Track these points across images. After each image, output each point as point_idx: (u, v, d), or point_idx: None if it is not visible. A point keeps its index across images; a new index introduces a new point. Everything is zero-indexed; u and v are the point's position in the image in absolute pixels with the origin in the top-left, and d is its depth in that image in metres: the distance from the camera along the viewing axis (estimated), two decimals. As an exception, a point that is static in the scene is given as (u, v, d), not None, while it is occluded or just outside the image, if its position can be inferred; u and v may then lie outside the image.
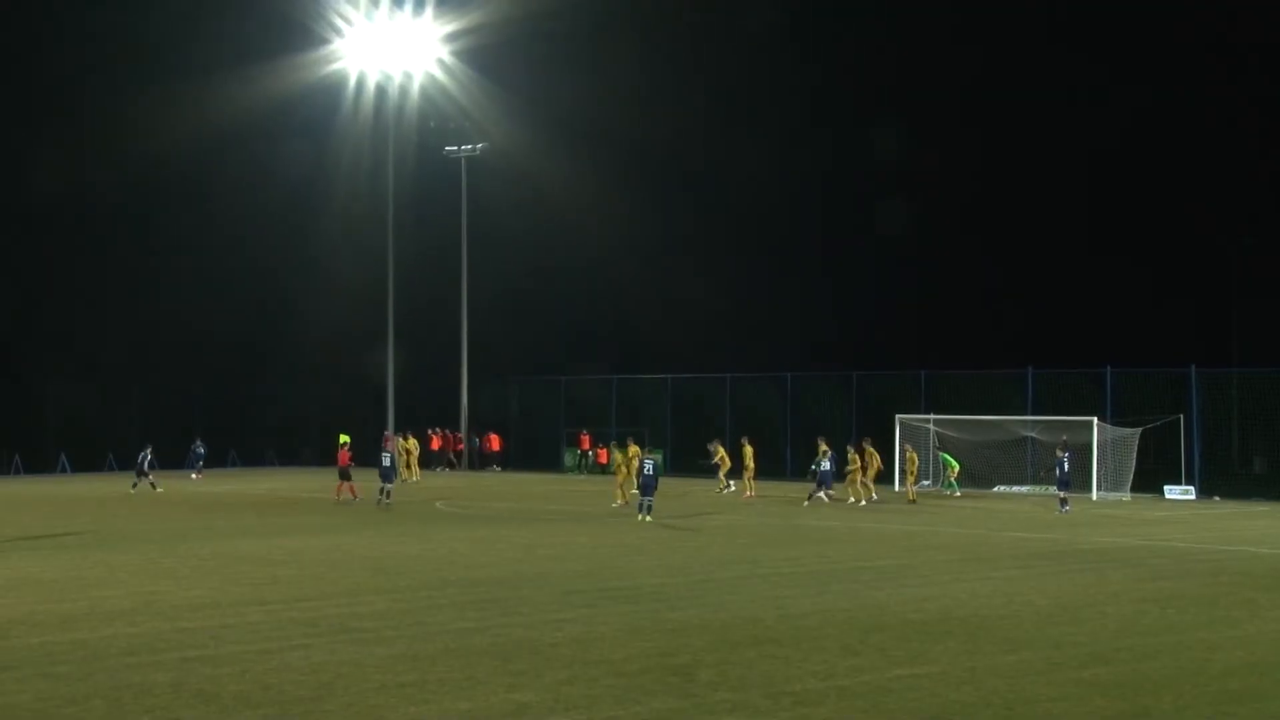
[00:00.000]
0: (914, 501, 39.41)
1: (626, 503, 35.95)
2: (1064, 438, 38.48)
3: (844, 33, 67.27)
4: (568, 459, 58.43)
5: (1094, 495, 41.13)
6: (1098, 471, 41.48)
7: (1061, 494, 36.04)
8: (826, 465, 38.81)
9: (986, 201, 65.22)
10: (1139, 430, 42.26)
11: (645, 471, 32.62)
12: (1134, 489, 41.98)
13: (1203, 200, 61.14)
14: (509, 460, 59.96)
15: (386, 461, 36.96)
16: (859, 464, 40.11)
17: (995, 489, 43.97)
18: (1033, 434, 44.20)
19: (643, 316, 65.40)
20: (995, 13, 62.98)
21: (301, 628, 15.84)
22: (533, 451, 59.85)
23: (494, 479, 52.78)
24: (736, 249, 67.24)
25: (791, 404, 53.29)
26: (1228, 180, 61.15)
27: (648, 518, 31.39)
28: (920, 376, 49.74)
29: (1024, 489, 43.45)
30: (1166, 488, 42.32)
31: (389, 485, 36.15)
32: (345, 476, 37.69)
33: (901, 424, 45.27)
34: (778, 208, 68.30)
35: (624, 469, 37.59)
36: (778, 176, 67.30)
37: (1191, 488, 42.22)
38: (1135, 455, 42.32)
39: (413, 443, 50.33)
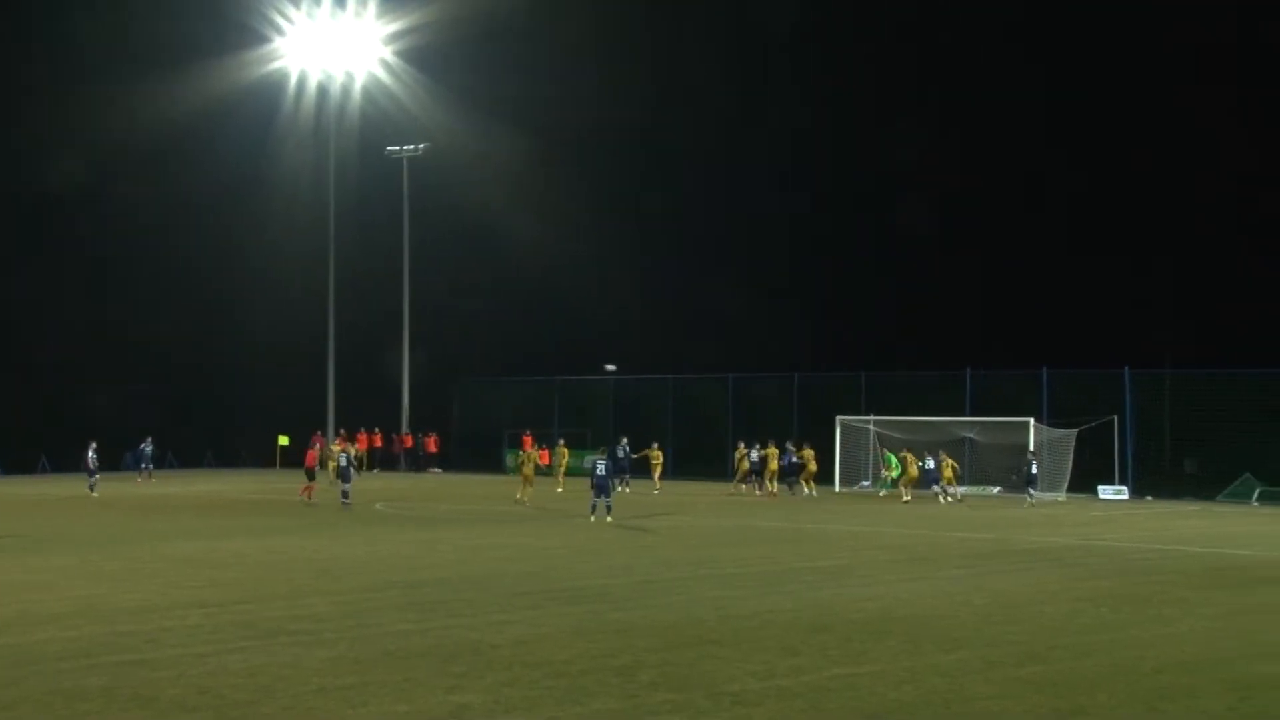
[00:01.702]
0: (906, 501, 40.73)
1: (522, 500, 36.36)
2: (1032, 449, 40.97)
3: (785, 35, 67.60)
4: (509, 460, 58.26)
5: (1030, 496, 41.50)
6: (1035, 471, 41.86)
7: (1031, 490, 39.65)
8: (754, 456, 42.48)
9: (924, 205, 65.70)
10: (1075, 431, 42.74)
11: (598, 472, 32.44)
12: (1069, 489, 42.42)
13: (1140, 203, 61.91)
14: (449, 462, 59.70)
15: (343, 462, 36.91)
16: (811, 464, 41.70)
17: (934, 489, 44.27)
18: (971, 435, 44.56)
19: (586, 318, 65.33)
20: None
21: (240, 630, 15.66)
22: (474, 453, 59.64)
23: (435, 481, 52.50)
24: (681, 251, 67.34)
25: (734, 405, 53.43)
26: (1164, 184, 61.96)
27: (608, 518, 31.30)
28: (860, 378, 50.05)
29: (961, 489, 43.75)
30: (1100, 488, 42.81)
31: (348, 485, 36.06)
32: (311, 477, 37.52)
33: (842, 425, 45.52)
34: (722, 210, 68.52)
35: (528, 467, 37.74)
36: (723, 178, 67.50)
37: (1125, 488, 42.73)
38: (1072, 456, 42.81)
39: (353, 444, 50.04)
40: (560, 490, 43.31)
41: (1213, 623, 16.81)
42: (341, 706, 11.94)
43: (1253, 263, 58.99)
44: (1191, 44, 60.29)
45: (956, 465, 41.56)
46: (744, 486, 42.99)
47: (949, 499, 40.68)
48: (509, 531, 29.26)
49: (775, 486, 42.88)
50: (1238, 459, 43.01)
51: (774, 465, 43.09)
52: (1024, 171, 62.79)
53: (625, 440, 43.84)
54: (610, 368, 44.25)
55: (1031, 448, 41.13)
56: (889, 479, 42.69)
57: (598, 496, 31.91)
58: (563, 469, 44.97)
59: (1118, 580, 20.89)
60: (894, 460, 42.86)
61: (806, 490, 42.99)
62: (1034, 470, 40.53)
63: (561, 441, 46.47)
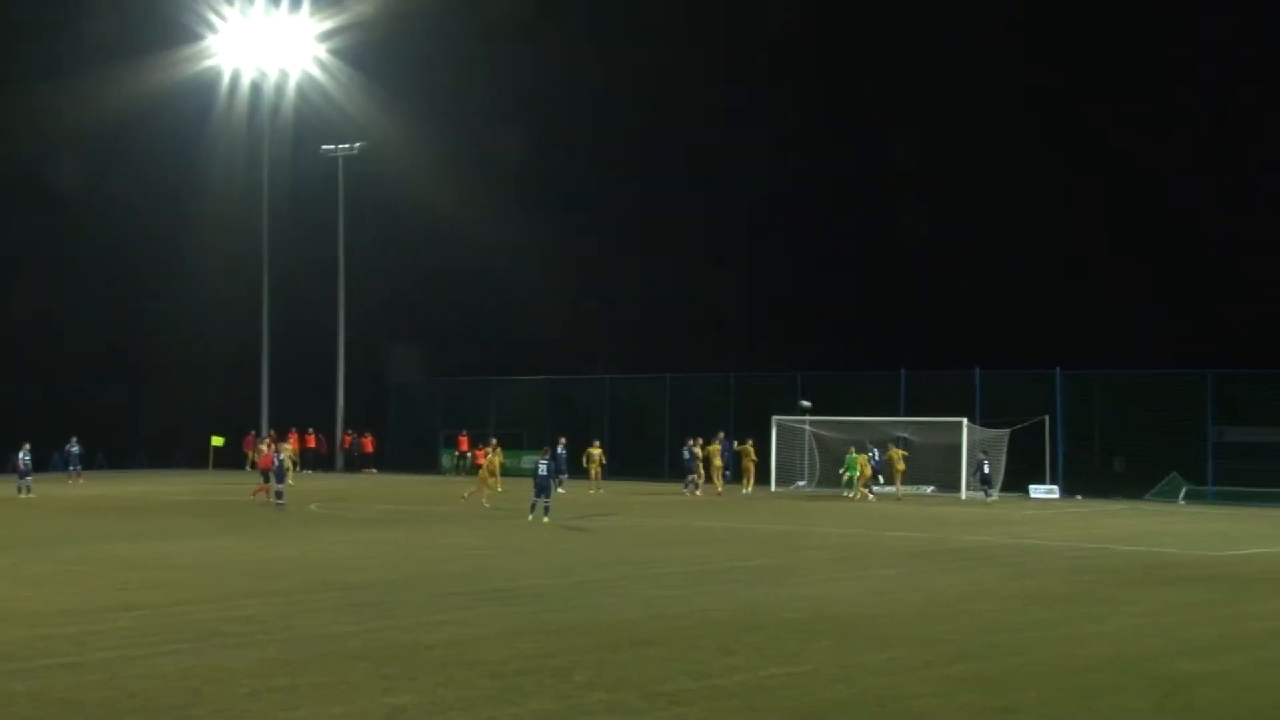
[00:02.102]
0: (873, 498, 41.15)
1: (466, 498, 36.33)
2: (982, 452, 41.90)
3: (723, 34, 67.86)
4: (445, 461, 58.02)
5: (963, 494, 41.94)
6: (967, 471, 42.30)
7: (985, 488, 40.99)
8: (686, 456, 42.95)
9: (859, 206, 66.16)
10: (1007, 432, 43.17)
11: (539, 472, 32.38)
12: (1002, 489, 42.86)
13: (1070, 204, 62.62)
14: (385, 462, 59.37)
15: (278, 462, 36.67)
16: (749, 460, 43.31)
17: (871, 489, 44.54)
18: (905, 434, 44.87)
19: (522, 318, 65.17)
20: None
21: (171, 633, 15.47)
22: (409, 453, 59.32)
23: (370, 481, 52.19)
24: (617, 250, 67.29)
25: (672, 404, 53.53)
26: (1095, 184, 62.71)
27: (545, 519, 31.24)
28: (796, 378, 50.26)
29: (896, 488, 44.04)
30: (1032, 487, 43.26)
31: (281, 486, 35.78)
32: (268, 478, 37.22)
33: (778, 425, 45.72)
34: (657, 208, 68.54)
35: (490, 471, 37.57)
36: (657, 176, 67.50)
37: (1056, 487, 43.22)
38: (1005, 456, 43.25)
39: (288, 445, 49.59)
40: (499, 490, 43.16)
41: (1140, 620, 17.05)
42: (275, 709, 11.83)
43: (1180, 266, 59.87)
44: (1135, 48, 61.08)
45: (904, 454, 42.09)
46: (692, 491, 42.72)
47: (869, 498, 41.15)
48: (445, 532, 29.15)
49: (721, 485, 42.93)
50: (1165, 459, 43.63)
51: (718, 462, 43.23)
52: (959, 172, 63.32)
53: (563, 440, 43.77)
54: (805, 404, 43.89)
55: (981, 449, 41.94)
56: (847, 479, 42.88)
57: (537, 496, 31.86)
58: (497, 470, 44.76)
59: (1049, 579, 21.14)
60: (851, 460, 42.92)
61: (745, 488, 43.30)
62: (986, 469, 41.52)
63: (495, 441, 46.27)
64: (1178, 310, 58.82)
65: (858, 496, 41.65)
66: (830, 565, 22.93)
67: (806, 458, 46.34)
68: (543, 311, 65.18)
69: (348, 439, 59.79)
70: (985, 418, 43.95)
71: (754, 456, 44.35)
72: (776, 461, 45.64)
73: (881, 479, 43.00)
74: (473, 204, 63.15)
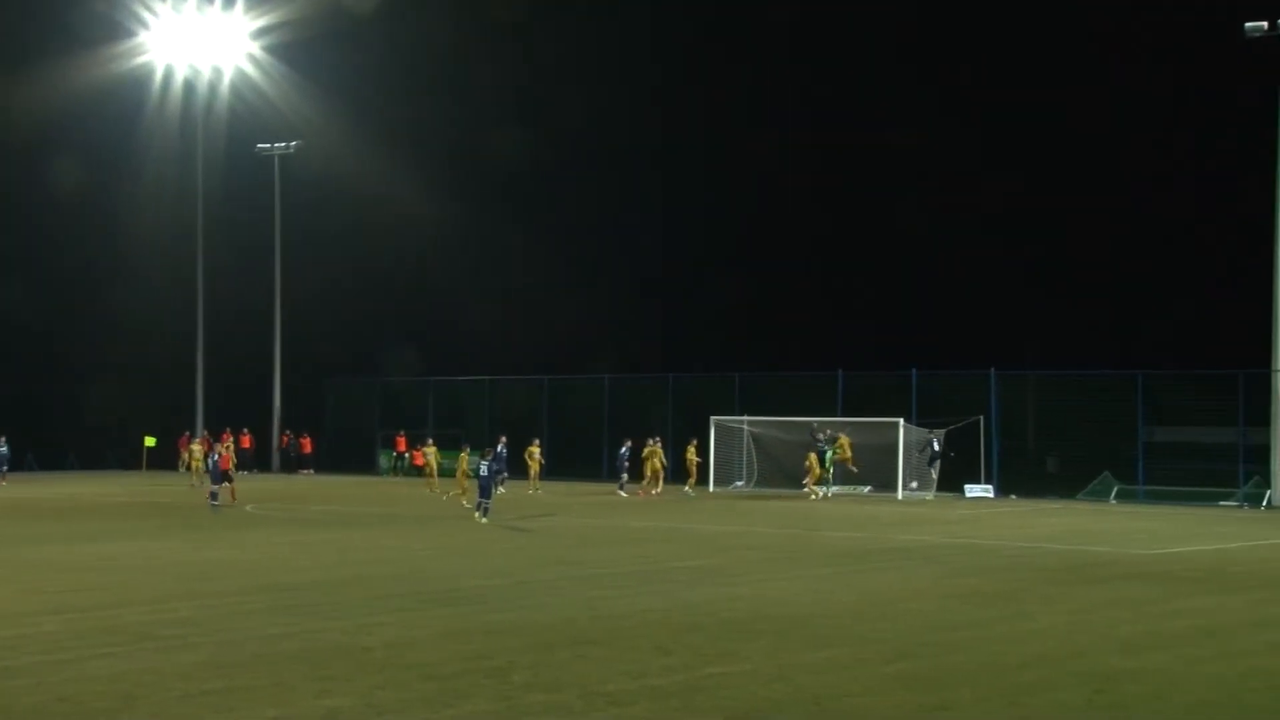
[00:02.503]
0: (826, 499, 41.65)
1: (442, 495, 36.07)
2: (932, 436, 42.67)
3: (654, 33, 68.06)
4: (383, 461, 57.72)
5: (899, 494, 42.24)
6: (903, 471, 42.61)
7: (931, 466, 42.13)
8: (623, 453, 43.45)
9: (799, 204, 66.56)
10: (943, 432, 43.56)
11: (480, 473, 32.28)
12: (937, 488, 43.23)
13: (1004, 206, 63.26)
14: (322, 462, 58.94)
15: (211, 464, 36.29)
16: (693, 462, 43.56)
17: (804, 489, 44.78)
18: (841, 433, 45.10)
19: (461, 316, 64.96)
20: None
21: (102, 636, 15.26)
22: (347, 454, 58.94)
23: (307, 482, 51.80)
24: (555, 250, 67.22)
25: (610, 405, 53.53)
26: (1028, 187, 63.42)
27: (483, 519, 31.18)
28: (735, 379, 50.45)
29: (833, 489, 44.32)
30: (967, 487, 43.68)
31: (216, 487, 35.40)
32: (227, 479, 36.72)
33: (716, 425, 45.86)
34: (595, 209, 68.58)
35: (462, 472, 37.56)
36: (595, 174, 67.52)
37: (990, 487, 43.65)
38: (940, 455, 43.59)
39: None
40: (435, 491, 43.08)
41: (1072, 617, 17.26)
42: (208, 712, 11.71)
43: (1113, 265, 60.63)
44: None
45: (848, 441, 42.35)
46: (629, 491, 42.75)
47: (818, 495, 41.51)
48: (383, 534, 28.99)
49: (659, 488, 42.98)
50: (1097, 458, 44.23)
51: (657, 464, 43.21)
52: (896, 171, 63.85)
53: (503, 440, 43.64)
54: (935, 445, 44.06)
55: (932, 436, 42.90)
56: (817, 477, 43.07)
57: (482, 497, 31.81)
58: (433, 469, 44.69)
59: (983, 577, 21.36)
60: (831, 455, 43.04)
61: (688, 489, 43.42)
62: (937, 446, 42.70)
63: (430, 441, 46.14)
64: (1109, 312, 59.66)
65: (814, 495, 41.92)
66: (768, 565, 23.03)
67: (745, 458, 46.53)
68: (481, 310, 64.99)
69: (285, 439, 59.32)
70: (922, 418, 44.33)
71: (697, 457, 44.44)
72: (715, 462, 45.78)
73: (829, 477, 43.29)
74: (411, 202, 62.84)
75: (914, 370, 46.02)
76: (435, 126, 65.13)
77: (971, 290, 61.90)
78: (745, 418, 46.54)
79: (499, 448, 41.89)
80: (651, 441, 43.95)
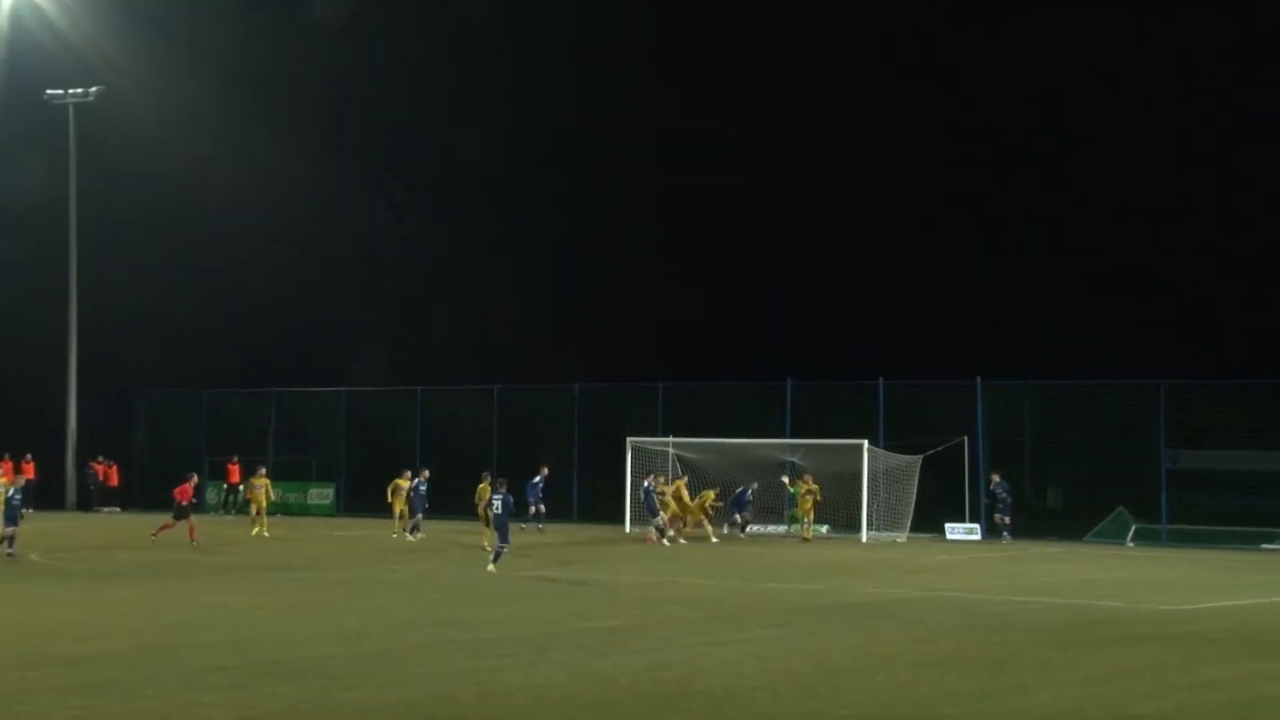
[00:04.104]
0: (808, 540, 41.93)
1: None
2: (996, 475, 43.44)
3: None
4: (210, 495, 57.20)
5: (864, 536, 42.54)
6: (868, 507, 42.88)
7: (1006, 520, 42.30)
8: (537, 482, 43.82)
9: (737, 194, 67.18)
10: (919, 458, 43.88)
11: (495, 510, 32.46)
12: (912, 527, 43.59)
13: (990, 188, 64.07)
14: (131, 497, 58.27)
15: (17, 499, 35.72)
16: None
17: (748, 530, 44.98)
18: (794, 459, 45.39)
19: (310, 314, 64.62)
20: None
21: None
22: (163, 486, 58.22)
23: (109, 522, 51.19)
24: (429, 236, 67.28)
25: (500, 422, 53.46)
26: (1016, 171, 64.34)
27: (490, 567, 31.42)
28: (657, 390, 50.55)
29: (781, 529, 44.53)
30: (948, 526, 44.10)
31: (14, 529, 34.91)
32: (185, 515, 38.59)
33: (634, 448, 45.90)
34: (487, 199, 68.90)
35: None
36: (481, 172, 67.88)
37: (977, 526, 44.12)
38: (915, 486, 43.97)
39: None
40: (257, 532, 42.78)
41: (1078, 690, 17.43)
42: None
43: (1129, 251, 61.36)
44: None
45: (816, 489, 42.59)
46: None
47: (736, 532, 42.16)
48: (207, 588, 28.69)
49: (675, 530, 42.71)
50: (1109, 490, 44.79)
51: (689, 503, 42.79)
52: (869, 150, 64.72)
53: (425, 474, 43.58)
54: (996, 482, 44.36)
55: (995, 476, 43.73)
56: (790, 515, 43.27)
57: (502, 542, 31.84)
58: (263, 507, 44.42)
59: (966, 640, 21.53)
60: (795, 493, 43.19)
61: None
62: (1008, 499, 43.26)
63: (263, 471, 45.80)
64: (1125, 309, 60.17)
65: (807, 534, 42.11)
66: (698, 625, 23.06)
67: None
68: (344, 307, 64.74)
69: (99, 468, 58.34)
70: (891, 439, 44.68)
71: (718, 501, 44.00)
72: (631, 493, 45.82)
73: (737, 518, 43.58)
74: (251, 170, 62.38)
75: (881, 380, 46.39)
76: (278, 70, 64.74)
77: (951, 283, 62.48)
78: (670, 439, 46.64)
79: (536, 479, 42.62)
80: (656, 477, 43.23)
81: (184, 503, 39.35)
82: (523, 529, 42.88)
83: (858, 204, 64.95)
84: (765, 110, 67.81)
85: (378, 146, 68.79)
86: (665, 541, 40.50)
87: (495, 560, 31.85)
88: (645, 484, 42.59)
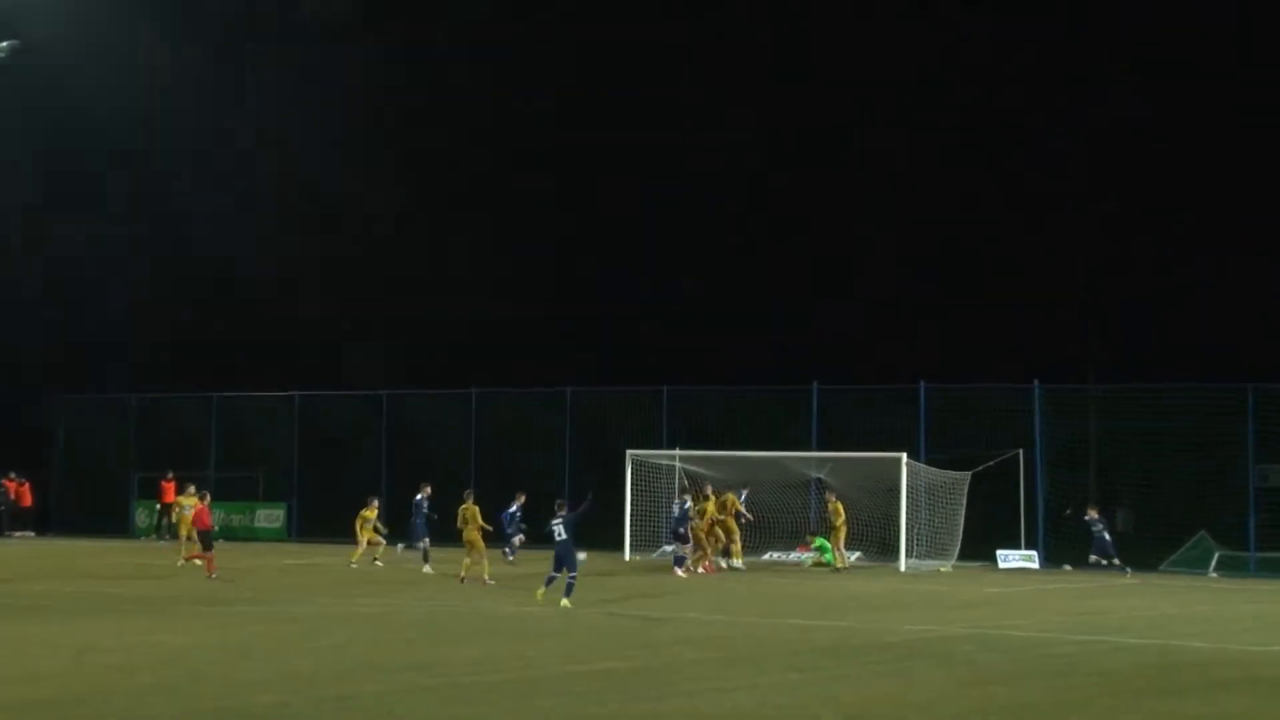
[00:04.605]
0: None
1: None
2: (1093, 510, 42.63)
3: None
4: (140, 517, 57.21)
5: (902, 564, 42.49)
6: (908, 530, 42.80)
7: (1115, 561, 41.32)
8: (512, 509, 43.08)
9: (758, 173, 67.39)
10: (968, 474, 43.80)
11: (558, 536, 32.45)
12: (960, 555, 43.54)
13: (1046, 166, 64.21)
14: (49, 520, 58.26)
15: None
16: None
17: (768, 556, 44.97)
18: (821, 475, 45.31)
19: (261, 314, 64.81)
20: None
21: None
22: (86, 506, 58.33)
23: (23, 548, 51.17)
24: (398, 214, 67.48)
25: (477, 429, 53.46)
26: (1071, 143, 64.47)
27: (565, 601, 31.39)
28: (663, 394, 50.47)
29: (806, 556, 44.47)
30: (1000, 553, 44.02)
31: None
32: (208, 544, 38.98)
33: (635, 462, 45.86)
34: (454, 180, 69.36)
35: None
36: (435, 167, 68.30)
37: (1034, 553, 44.03)
38: (964, 507, 43.87)
39: None
40: (188, 560, 42.76)
41: (1151, 744, 17.45)
42: None
43: (1211, 228, 61.15)
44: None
45: (840, 508, 42.55)
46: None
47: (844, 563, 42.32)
48: (138, 625, 28.67)
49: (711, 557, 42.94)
50: (1188, 511, 44.69)
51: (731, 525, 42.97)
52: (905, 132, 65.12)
53: (427, 489, 43.58)
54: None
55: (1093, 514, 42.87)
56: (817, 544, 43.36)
57: (557, 570, 31.94)
58: (190, 530, 44.33)
59: (1021, 686, 21.51)
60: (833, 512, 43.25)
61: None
62: (1108, 535, 42.35)
63: (193, 489, 45.75)
64: (1207, 300, 59.90)
65: (840, 562, 42.22)
66: (709, 669, 23.05)
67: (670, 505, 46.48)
68: (286, 298, 64.79)
69: (10, 485, 58.33)
70: (934, 452, 44.63)
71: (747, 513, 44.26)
72: (631, 514, 45.78)
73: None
74: (183, 133, 62.42)
75: (922, 384, 46.32)
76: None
77: (1001, 270, 62.34)
78: (677, 451, 46.60)
79: (514, 508, 43.06)
80: (704, 494, 43.20)
81: (206, 529, 39.73)
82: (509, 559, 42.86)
83: (889, 182, 65.07)
84: (776, 97, 68.43)
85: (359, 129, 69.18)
86: (682, 571, 40.50)
87: (568, 594, 31.58)
88: (680, 503, 42.45)
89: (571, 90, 69.17)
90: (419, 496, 43.51)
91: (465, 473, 51.55)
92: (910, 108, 66.01)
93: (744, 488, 44.40)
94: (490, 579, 37.05)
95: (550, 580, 32.23)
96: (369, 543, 43.40)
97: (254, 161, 67.29)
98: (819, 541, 43.93)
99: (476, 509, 38.35)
